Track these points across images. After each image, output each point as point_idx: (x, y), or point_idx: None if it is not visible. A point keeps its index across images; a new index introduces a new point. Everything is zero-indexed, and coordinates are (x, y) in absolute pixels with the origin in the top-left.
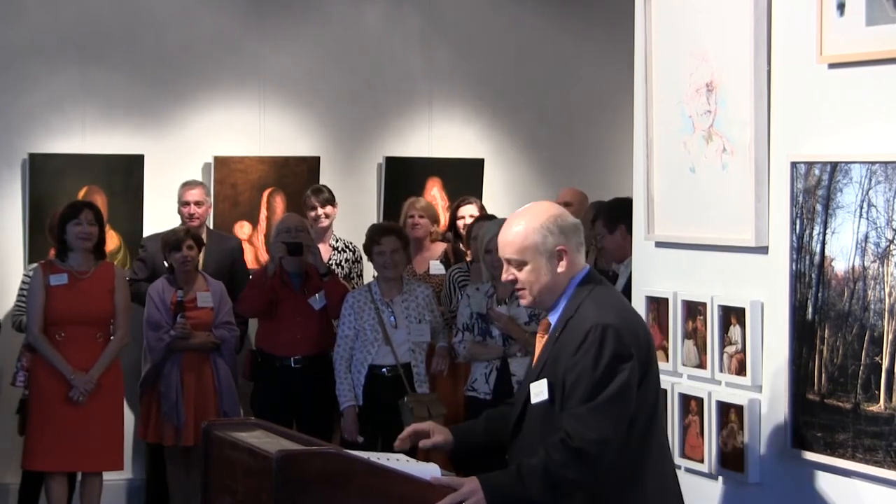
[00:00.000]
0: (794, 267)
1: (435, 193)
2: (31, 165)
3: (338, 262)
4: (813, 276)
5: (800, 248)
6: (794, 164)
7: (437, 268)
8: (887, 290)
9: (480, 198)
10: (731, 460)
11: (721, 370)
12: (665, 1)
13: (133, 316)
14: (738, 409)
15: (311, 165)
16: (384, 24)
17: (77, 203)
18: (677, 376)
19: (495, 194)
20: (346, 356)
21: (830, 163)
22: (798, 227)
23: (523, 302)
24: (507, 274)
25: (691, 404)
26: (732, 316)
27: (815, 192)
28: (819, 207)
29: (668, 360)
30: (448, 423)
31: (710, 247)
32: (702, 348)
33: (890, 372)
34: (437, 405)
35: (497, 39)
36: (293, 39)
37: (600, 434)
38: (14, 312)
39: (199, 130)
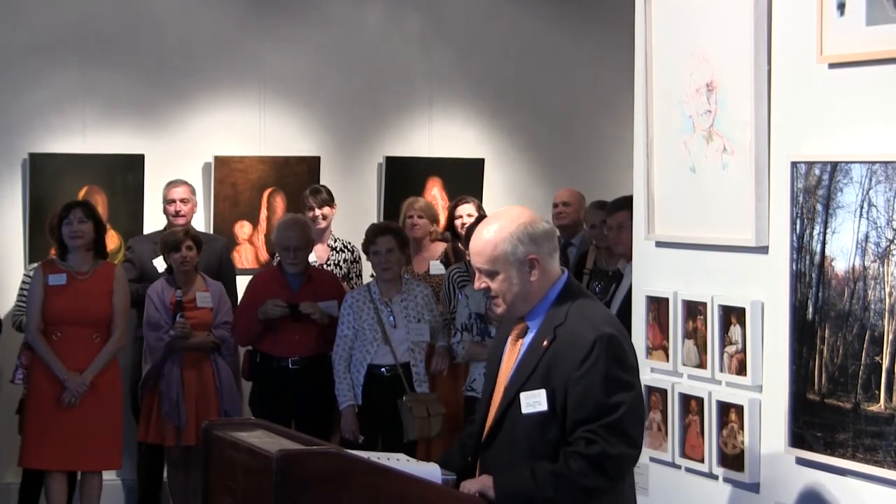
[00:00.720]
0: (794, 267)
1: (435, 193)
2: (31, 165)
3: (336, 262)
4: (813, 275)
5: (800, 247)
6: (794, 164)
7: (437, 268)
8: (887, 289)
9: (480, 198)
10: (732, 460)
11: (721, 370)
12: (665, 1)
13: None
14: (739, 409)
15: (311, 165)
16: (384, 25)
17: (68, 203)
18: (677, 376)
19: (495, 194)
20: (345, 356)
21: (831, 163)
22: (798, 226)
23: (498, 311)
24: (480, 283)
25: (691, 404)
26: (733, 316)
27: (816, 191)
28: (819, 207)
29: (668, 360)
30: (447, 422)
31: (711, 246)
32: (702, 348)
33: (890, 372)
34: (436, 405)
35: (497, 40)
36: (293, 39)
37: (620, 449)
38: (14, 312)
39: (199, 130)
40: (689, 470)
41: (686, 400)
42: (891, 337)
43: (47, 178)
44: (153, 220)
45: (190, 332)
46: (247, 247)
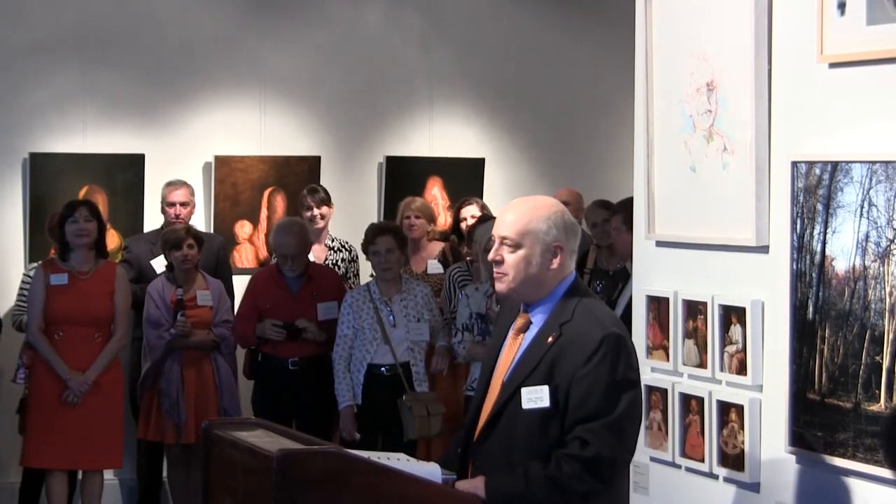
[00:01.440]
0: (794, 266)
1: (436, 193)
2: (31, 165)
3: (333, 261)
4: (813, 275)
5: (800, 247)
6: (794, 164)
7: (434, 267)
8: (888, 289)
9: (481, 197)
10: (732, 460)
11: (722, 370)
12: (665, 1)
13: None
14: (739, 409)
15: (311, 165)
16: (384, 25)
17: (73, 202)
18: (678, 376)
19: (496, 194)
20: (345, 355)
21: (831, 162)
22: (799, 226)
23: (499, 287)
24: (496, 253)
25: (692, 404)
26: (733, 315)
27: (816, 191)
28: (820, 207)
29: (668, 360)
30: (447, 422)
31: (711, 246)
32: (702, 348)
33: (891, 371)
34: (436, 404)
35: (498, 39)
36: (294, 39)
37: (615, 451)
38: (14, 312)
39: (199, 130)
40: (689, 470)
41: (686, 399)
42: (891, 336)
43: (48, 178)
44: (153, 220)
45: (190, 331)
46: (247, 246)
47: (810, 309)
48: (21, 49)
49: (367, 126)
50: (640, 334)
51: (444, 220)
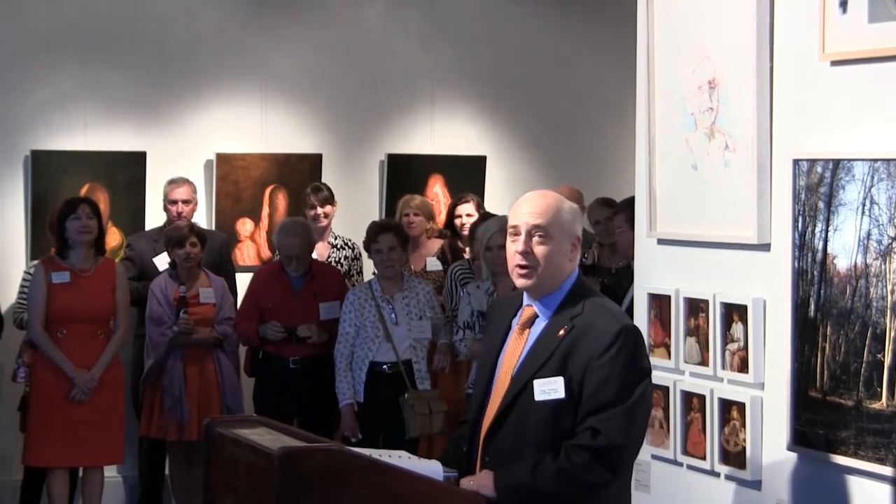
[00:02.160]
0: (796, 264)
1: (437, 191)
2: (33, 162)
3: (337, 259)
4: (815, 273)
5: (802, 245)
6: (796, 162)
7: (433, 264)
8: (889, 287)
9: (482, 195)
10: (733, 458)
11: (723, 367)
12: None
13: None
14: (741, 407)
15: (313, 162)
16: (386, 22)
17: (74, 199)
18: (679, 373)
19: (497, 192)
20: (346, 353)
21: (833, 160)
22: (800, 224)
23: (523, 282)
24: (524, 245)
25: (693, 401)
26: (734, 313)
27: (818, 189)
28: (821, 205)
29: (670, 358)
30: (449, 420)
31: (713, 244)
32: (704, 345)
33: (892, 369)
34: (437, 402)
35: (499, 37)
36: (295, 37)
37: (626, 441)
38: (15, 309)
39: (201, 127)
40: (690, 467)
41: (688, 397)
42: (893, 334)
43: (49, 176)
44: (155, 218)
45: (193, 328)
46: (248, 244)
47: (812, 307)
48: (22, 47)
49: (369, 124)
50: (641, 332)
51: (444, 217)
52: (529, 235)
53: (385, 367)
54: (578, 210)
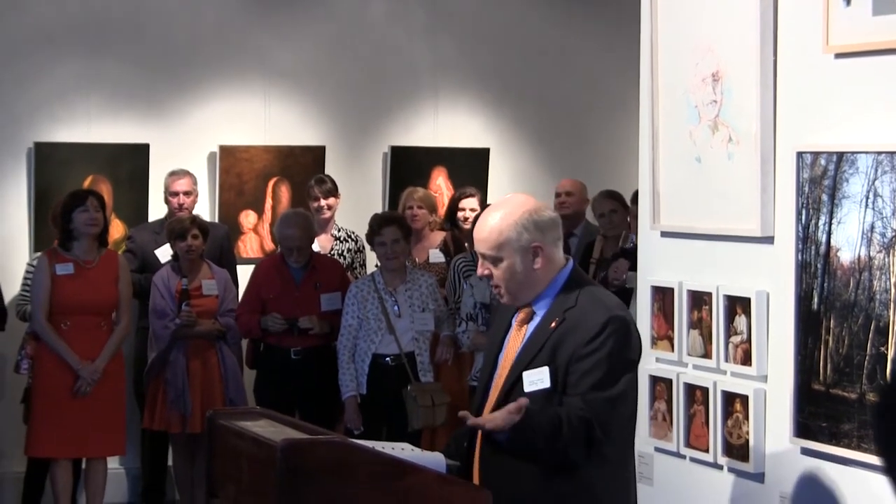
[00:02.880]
0: (799, 257)
1: (440, 183)
2: (36, 155)
3: (340, 251)
4: (819, 266)
5: (805, 238)
6: (800, 154)
7: (436, 256)
8: (893, 280)
9: (486, 188)
10: (736, 450)
11: (726, 360)
12: None
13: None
14: (744, 399)
15: (316, 155)
16: (389, 15)
17: (81, 191)
18: (682, 366)
19: (500, 184)
20: (349, 346)
21: (836, 153)
22: (804, 217)
23: (503, 299)
24: (483, 269)
25: (696, 394)
26: (738, 306)
27: (821, 182)
28: (825, 197)
29: (673, 350)
30: (452, 412)
31: (716, 237)
32: (707, 338)
33: None
34: (440, 394)
35: (502, 30)
36: (298, 29)
37: (606, 427)
38: (18, 301)
39: (204, 120)
40: (693, 460)
41: (691, 390)
42: None
43: (52, 168)
44: (158, 210)
45: (196, 321)
46: (252, 236)
47: (815, 299)
48: (26, 39)
49: (372, 116)
50: (644, 324)
51: (445, 210)
52: (484, 259)
53: (388, 359)
54: (531, 215)
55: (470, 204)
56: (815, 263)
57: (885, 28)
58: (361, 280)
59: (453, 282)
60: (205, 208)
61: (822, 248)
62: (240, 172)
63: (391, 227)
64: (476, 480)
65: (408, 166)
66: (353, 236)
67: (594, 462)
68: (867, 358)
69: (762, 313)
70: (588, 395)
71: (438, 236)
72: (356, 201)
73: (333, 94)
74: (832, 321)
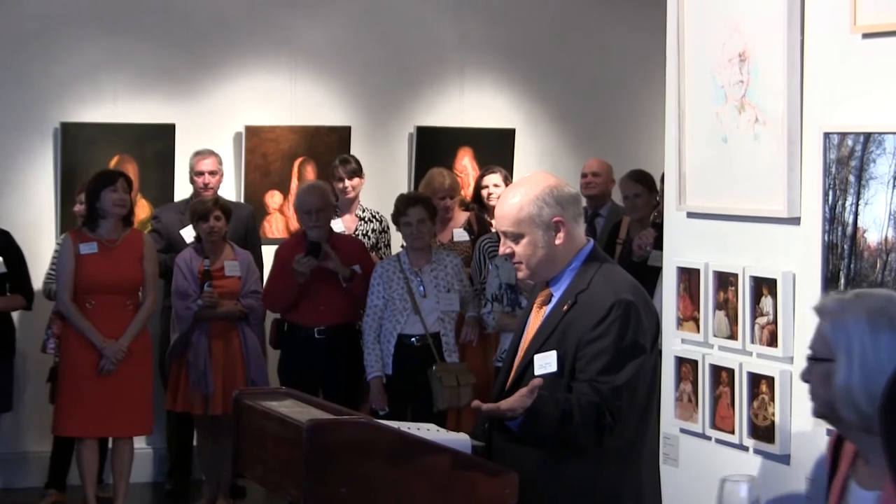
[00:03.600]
0: (826, 238)
1: (466, 163)
2: (63, 134)
3: (364, 232)
4: (845, 247)
5: (832, 218)
6: (826, 135)
7: (460, 235)
8: None
9: (512, 168)
10: (762, 432)
11: (752, 341)
12: None
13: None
14: (770, 381)
15: (342, 135)
16: None
17: (111, 171)
18: (708, 347)
19: (526, 164)
20: (374, 326)
21: (864, 133)
22: (831, 197)
23: (521, 275)
24: (504, 247)
25: (722, 375)
26: (764, 287)
27: (848, 162)
28: (852, 178)
29: (699, 331)
30: (477, 392)
31: (742, 217)
32: (733, 319)
33: None
34: (466, 374)
35: (529, 8)
36: (325, 8)
37: (613, 420)
38: (45, 280)
39: (230, 99)
40: (719, 441)
41: (717, 371)
42: None
43: (79, 148)
44: (183, 190)
45: (218, 302)
46: (277, 216)
47: (842, 281)
48: (52, 19)
49: (398, 96)
50: (670, 305)
51: (472, 190)
52: (505, 237)
53: (413, 339)
54: (552, 190)
55: (493, 180)
56: (841, 244)
57: None
58: (387, 260)
59: (478, 262)
60: (230, 188)
61: (849, 229)
62: (265, 153)
63: (417, 208)
64: None
65: (433, 147)
66: (377, 216)
67: (603, 447)
68: None
69: (788, 294)
70: (595, 382)
71: (462, 216)
72: (382, 182)
73: (359, 74)
74: None
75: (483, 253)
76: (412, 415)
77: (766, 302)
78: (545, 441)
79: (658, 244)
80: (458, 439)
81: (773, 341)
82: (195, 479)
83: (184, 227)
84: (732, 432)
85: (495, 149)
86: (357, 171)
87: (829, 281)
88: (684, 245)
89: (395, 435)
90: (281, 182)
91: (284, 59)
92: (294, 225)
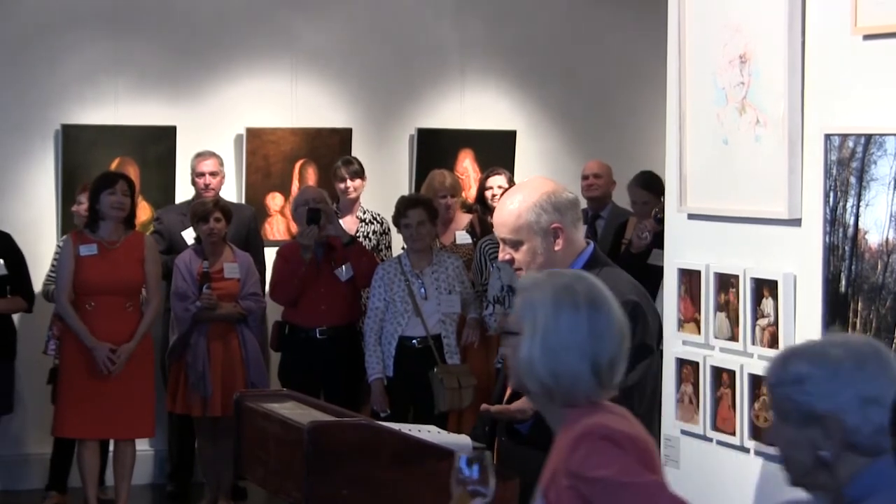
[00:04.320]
0: (827, 239)
1: (467, 165)
2: (63, 137)
3: (365, 233)
4: (846, 248)
5: (833, 220)
6: (827, 137)
7: (463, 238)
8: None
9: (513, 169)
10: (763, 433)
11: (753, 343)
12: None
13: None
14: None
15: (343, 137)
16: None
17: (112, 174)
18: (709, 349)
19: (528, 166)
20: (375, 328)
21: (864, 135)
22: (832, 199)
23: None
24: (504, 253)
25: (723, 377)
26: (765, 288)
27: (849, 164)
28: (853, 180)
29: (700, 333)
30: (478, 394)
31: (743, 219)
32: (734, 321)
33: None
34: (467, 376)
35: (530, 10)
36: (326, 10)
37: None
38: (45, 282)
39: (231, 101)
40: (720, 443)
41: (718, 373)
42: None
43: (80, 150)
44: (185, 192)
45: (216, 303)
46: (278, 218)
47: (843, 282)
48: (53, 21)
49: (399, 98)
50: (671, 307)
51: (476, 192)
52: (504, 244)
53: (414, 341)
54: (550, 196)
55: (497, 182)
56: (842, 246)
57: None
58: (388, 262)
59: (479, 264)
60: (231, 190)
61: (850, 231)
62: (266, 154)
63: (417, 210)
64: None
65: (434, 148)
66: (378, 218)
67: None
68: (895, 341)
69: (789, 296)
70: None
71: (465, 218)
72: (383, 183)
73: (360, 76)
74: (860, 304)
75: (484, 255)
76: (413, 417)
77: (767, 303)
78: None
79: (660, 243)
80: (460, 441)
81: (774, 343)
82: (197, 481)
83: (185, 228)
84: (734, 434)
85: (496, 150)
86: (359, 173)
87: (830, 282)
88: (685, 246)
89: (397, 437)
90: (282, 184)
91: (285, 60)
92: (295, 227)
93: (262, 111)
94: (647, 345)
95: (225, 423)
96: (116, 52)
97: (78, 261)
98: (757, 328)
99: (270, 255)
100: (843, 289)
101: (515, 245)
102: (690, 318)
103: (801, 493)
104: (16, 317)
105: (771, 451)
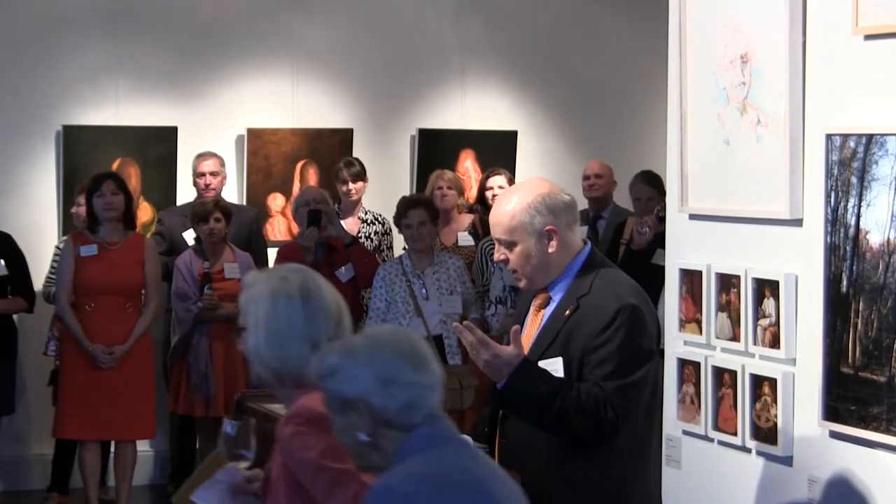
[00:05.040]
0: (828, 239)
1: (468, 165)
2: (64, 137)
3: (367, 234)
4: (848, 248)
5: (834, 220)
6: (829, 137)
7: (465, 239)
8: None
9: (513, 170)
10: (765, 433)
11: (755, 343)
12: None
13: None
14: (772, 382)
15: (344, 137)
16: None
17: (99, 175)
18: (711, 349)
19: (528, 166)
20: None
21: (866, 135)
22: (833, 199)
23: (521, 285)
24: (499, 253)
25: (724, 377)
26: (766, 288)
27: (851, 164)
28: (854, 180)
29: (701, 333)
30: (479, 395)
31: (745, 219)
32: (735, 321)
33: None
34: (468, 377)
35: (530, 10)
36: (327, 11)
37: (616, 417)
38: (45, 283)
39: (232, 102)
40: (721, 443)
41: (719, 373)
42: None
43: (81, 151)
44: (186, 193)
45: (217, 304)
46: (279, 219)
47: (844, 282)
48: (54, 21)
49: (400, 98)
50: (672, 307)
51: (475, 192)
52: (499, 244)
53: None
54: (545, 198)
55: (498, 181)
56: (844, 246)
57: None
58: (389, 263)
59: (481, 264)
60: (233, 191)
61: (851, 231)
62: (267, 155)
63: (418, 210)
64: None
65: (436, 149)
66: (380, 219)
67: (610, 448)
68: None
69: (791, 296)
70: (600, 382)
71: (467, 219)
72: (384, 184)
73: (361, 77)
74: (861, 304)
75: (486, 255)
76: None
77: (769, 304)
78: (532, 410)
79: (661, 242)
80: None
81: (775, 343)
82: None
83: (187, 229)
84: (735, 434)
85: (497, 151)
86: (361, 175)
87: (832, 282)
88: (686, 247)
89: None
90: (283, 184)
91: (286, 61)
92: (296, 228)
93: (263, 112)
94: (645, 348)
95: None
96: (117, 53)
97: (78, 261)
98: (758, 328)
99: (273, 255)
100: (844, 289)
101: (510, 246)
102: (692, 319)
103: (801, 494)
104: (16, 317)
105: (773, 451)
